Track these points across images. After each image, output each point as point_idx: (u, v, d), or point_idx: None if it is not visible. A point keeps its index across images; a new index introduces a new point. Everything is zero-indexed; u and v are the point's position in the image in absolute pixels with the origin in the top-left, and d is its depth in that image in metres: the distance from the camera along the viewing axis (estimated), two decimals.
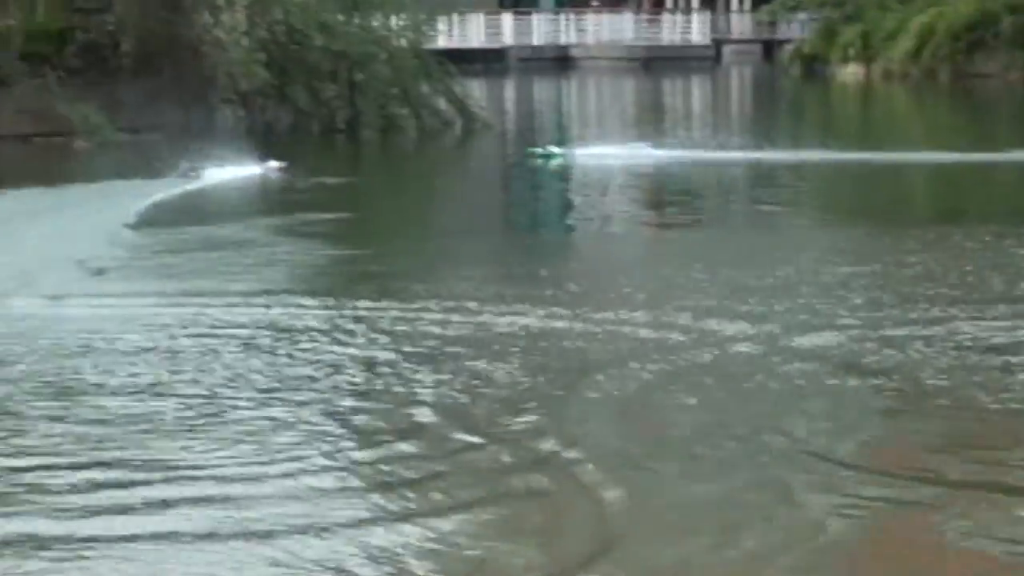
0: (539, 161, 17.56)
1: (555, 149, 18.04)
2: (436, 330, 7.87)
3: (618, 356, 7.27)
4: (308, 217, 13.13)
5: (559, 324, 8.01)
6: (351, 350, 7.45)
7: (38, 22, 21.63)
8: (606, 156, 17.91)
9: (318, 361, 7.22)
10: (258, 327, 7.98)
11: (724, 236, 12.47)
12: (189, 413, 6.28)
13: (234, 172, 16.29)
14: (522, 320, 8.08)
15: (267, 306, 8.53)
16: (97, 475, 5.45)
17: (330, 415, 6.27)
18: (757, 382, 6.78)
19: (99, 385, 6.78)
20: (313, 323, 8.09)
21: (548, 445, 5.82)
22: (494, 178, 17.32)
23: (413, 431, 6.03)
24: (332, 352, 7.40)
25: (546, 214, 15.02)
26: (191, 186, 15.42)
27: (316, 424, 6.13)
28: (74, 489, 5.29)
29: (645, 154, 18.15)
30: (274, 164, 16.74)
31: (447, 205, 15.58)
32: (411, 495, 5.25)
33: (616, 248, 12.14)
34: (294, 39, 21.25)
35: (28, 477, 5.43)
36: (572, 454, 5.70)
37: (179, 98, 22.02)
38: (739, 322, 7.90)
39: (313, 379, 6.89)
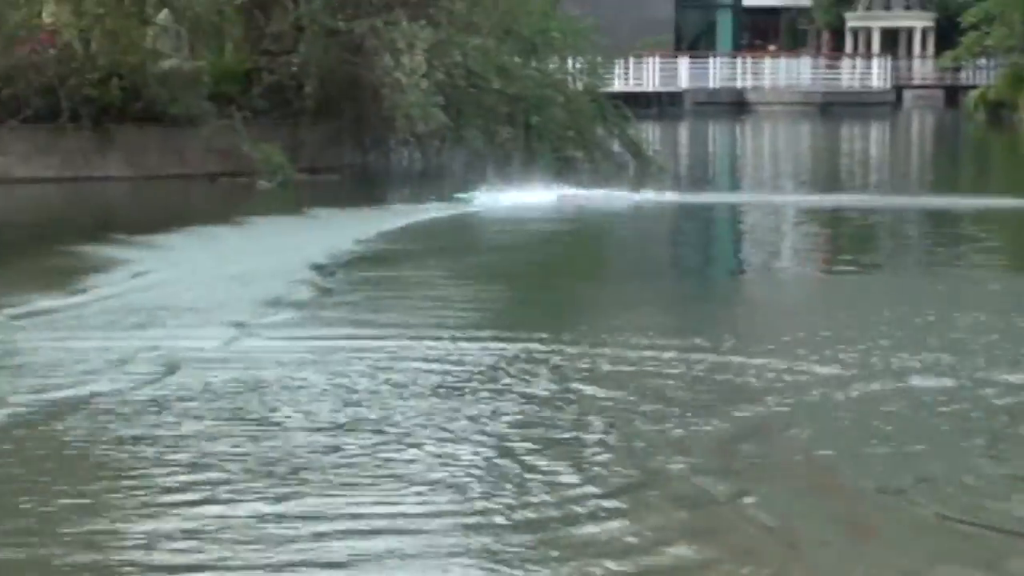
0: (466, 204, 17.18)
1: (469, 195, 17.61)
2: (616, 369, 7.83)
3: (808, 400, 7.12)
4: (488, 256, 13.24)
5: (741, 363, 7.90)
6: (531, 390, 7.41)
7: (226, 63, 22.32)
8: (521, 201, 17.33)
9: (503, 401, 7.19)
10: (439, 364, 7.99)
11: (901, 281, 12.21)
12: (379, 456, 6.25)
13: (521, 198, 17.32)
14: (700, 357, 8.02)
15: (449, 343, 8.54)
16: (296, 527, 5.37)
17: (522, 459, 6.18)
18: (952, 433, 6.58)
19: (283, 424, 6.82)
20: (493, 362, 8.07)
21: (748, 498, 5.66)
22: (662, 221, 17.28)
23: (616, 479, 5.92)
24: (517, 392, 7.37)
25: (713, 258, 14.90)
26: (480, 209, 16.71)
27: (506, 469, 6.05)
28: (276, 540, 5.24)
29: (563, 197, 17.59)
30: (565, 192, 17.35)
31: (615, 247, 15.54)
32: (621, 550, 5.10)
33: (795, 292, 11.96)
34: (472, 82, 21.49)
35: (233, 523, 5.42)
36: (774, 511, 5.52)
37: (358, 139, 22.46)
38: (924, 365, 7.78)
39: (496, 419, 6.85)
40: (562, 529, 5.34)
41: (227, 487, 5.84)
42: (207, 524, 5.38)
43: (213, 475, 6.01)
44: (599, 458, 6.21)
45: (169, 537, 5.25)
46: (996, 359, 7.98)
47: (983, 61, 45.06)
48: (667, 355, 8.19)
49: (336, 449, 6.37)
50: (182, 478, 5.96)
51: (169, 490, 5.81)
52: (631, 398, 7.22)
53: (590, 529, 5.32)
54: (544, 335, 8.77)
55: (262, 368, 7.99)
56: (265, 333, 9.10)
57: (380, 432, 6.63)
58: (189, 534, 5.27)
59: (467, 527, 5.34)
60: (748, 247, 15.12)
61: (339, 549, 5.13)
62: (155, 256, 12.76)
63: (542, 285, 12.00)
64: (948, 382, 7.40)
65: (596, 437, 6.53)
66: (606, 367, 7.93)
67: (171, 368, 7.97)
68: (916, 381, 7.50)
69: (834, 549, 5.19)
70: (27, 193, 19.32)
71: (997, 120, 38.90)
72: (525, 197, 17.48)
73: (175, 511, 5.55)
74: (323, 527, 5.36)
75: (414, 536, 5.26)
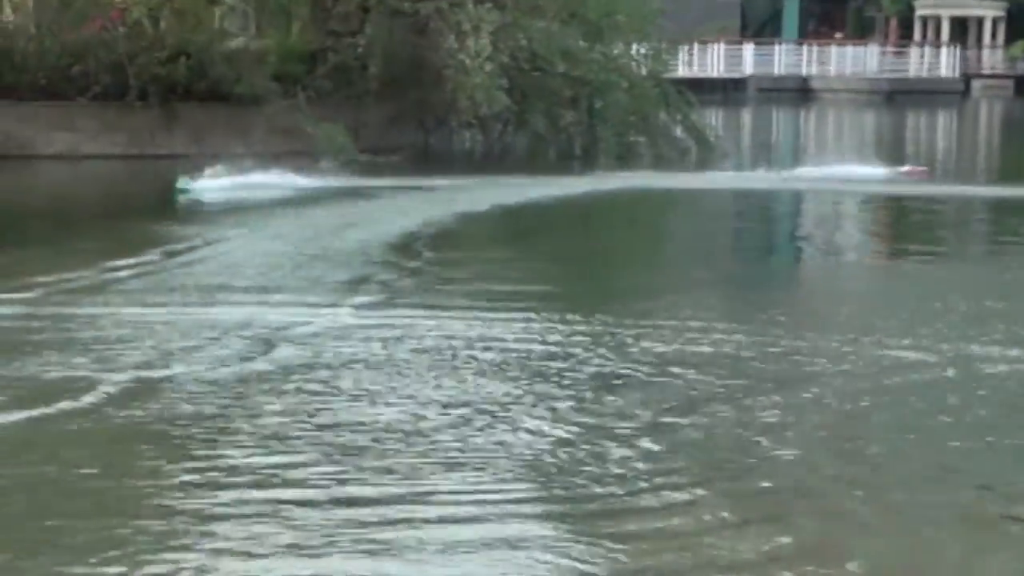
0: (180, 195, 15.85)
1: (187, 184, 16.12)
2: (675, 349, 7.85)
3: (885, 387, 7.15)
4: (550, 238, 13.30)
5: (806, 345, 7.92)
6: (591, 368, 7.47)
7: (291, 43, 22.43)
8: (236, 187, 16.18)
9: (568, 380, 7.25)
10: (500, 342, 8.04)
11: (965, 269, 12.14)
12: (456, 436, 6.29)
13: (861, 172, 17.78)
14: (768, 344, 8.03)
15: (512, 322, 8.60)
16: (360, 511, 5.38)
17: (600, 438, 6.22)
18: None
19: (355, 399, 6.90)
20: (557, 339, 8.14)
21: (816, 480, 5.71)
22: (719, 205, 17.26)
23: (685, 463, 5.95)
24: (583, 371, 7.43)
25: (764, 242, 14.84)
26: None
27: (582, 447, 6.07)
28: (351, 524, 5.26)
29: (277, 184, 16.50)
30: (905, 168, 17.75)
31: (673, 230, 15.52)
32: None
33: (850, 278, 11.91)
34: (536, 65, 21.46)
35: (286, 510, 5.42)
36: (846, 493, 5.55)
37: (420, 121, 22.50)
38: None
39: (560, 396, 6.90)
40: (626, 508, 5.36)
41: (302, 467, 5.84)
42: (278, 506, 5.40)
43: (284, 454, 6.04)
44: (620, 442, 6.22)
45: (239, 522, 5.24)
46: None
47: None
48: (733, 336, 8.17)
49: (421, 427, 6.41)
50: (256, 458, 5.97)
51: (239, 469, 5.82)
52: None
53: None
54: (605, 316, 8.79)
55: (330, 343, 8.06)
56: (331, 310, 9.16)
57: (456, 410, 6.66)
58: (260, 517, 5.28)
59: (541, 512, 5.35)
60: (800, 231, 15.07)
61: (410, 535, 5.12)
62: (220, 233, 12.88)
63: (606, 266, 12.03)
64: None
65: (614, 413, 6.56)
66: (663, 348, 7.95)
67: (238, 343, 8.06)
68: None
69: None
70: (94, 169, 19.55)
71: None
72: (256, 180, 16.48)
73: (245, 492, 5.55)
74: (393, 510, 5.36)
75: (493, 522, 5.27)
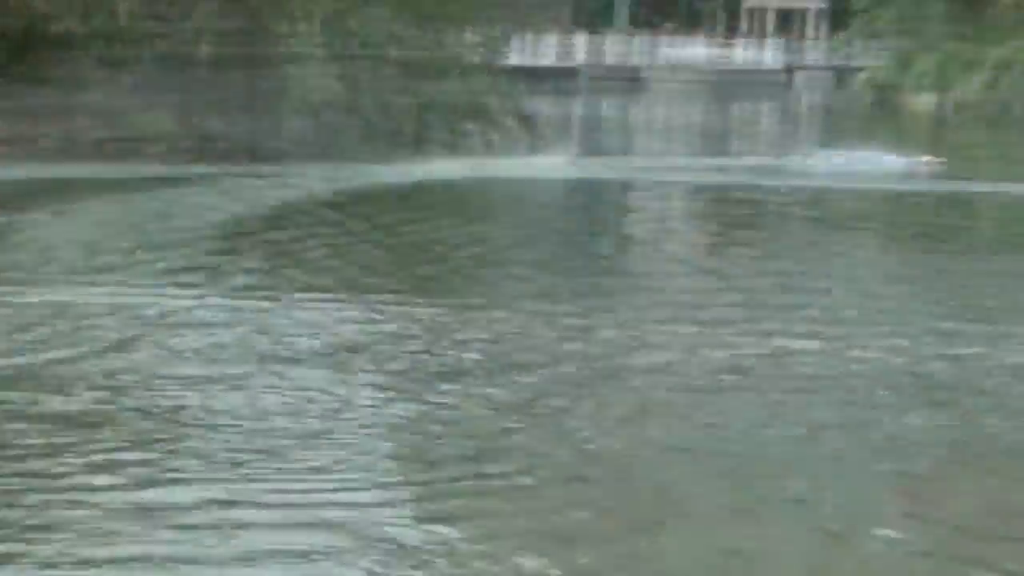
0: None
1: None
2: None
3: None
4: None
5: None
6: (415, 356, 7.54)
7: (119, 27, 21.98)
8: None
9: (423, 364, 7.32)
10: (325, 328, 8.09)
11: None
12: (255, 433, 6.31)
13: (876, 161, 17.88)
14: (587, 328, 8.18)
15: (336, 307, 8.67)
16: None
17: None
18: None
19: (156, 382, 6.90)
20: (384, 325, 8.22)
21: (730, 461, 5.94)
22: (551, 193, 17.54)
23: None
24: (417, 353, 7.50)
25: (587, 233, 15.13)
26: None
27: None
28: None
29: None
30: (925, 159, 17.70)
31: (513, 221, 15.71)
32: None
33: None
34: (367, 52, 21.46)
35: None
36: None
37: (250, 107, 22.27)
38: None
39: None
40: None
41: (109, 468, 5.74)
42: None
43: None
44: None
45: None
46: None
47: (874, 43, 45.80)
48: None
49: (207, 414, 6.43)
50: (69, 458, 5.85)
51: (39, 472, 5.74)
52: None
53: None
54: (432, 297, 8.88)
55: (152, 329, 8.02)
56: (155, 294, 9.12)
57: (279, 402, 6.64)
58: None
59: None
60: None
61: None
62: (34, 217, 12.64)
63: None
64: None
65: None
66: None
67: (56, 328, 7.96)
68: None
69: None
70: None
71: (884, 102, 39.61)
72: None
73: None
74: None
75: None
